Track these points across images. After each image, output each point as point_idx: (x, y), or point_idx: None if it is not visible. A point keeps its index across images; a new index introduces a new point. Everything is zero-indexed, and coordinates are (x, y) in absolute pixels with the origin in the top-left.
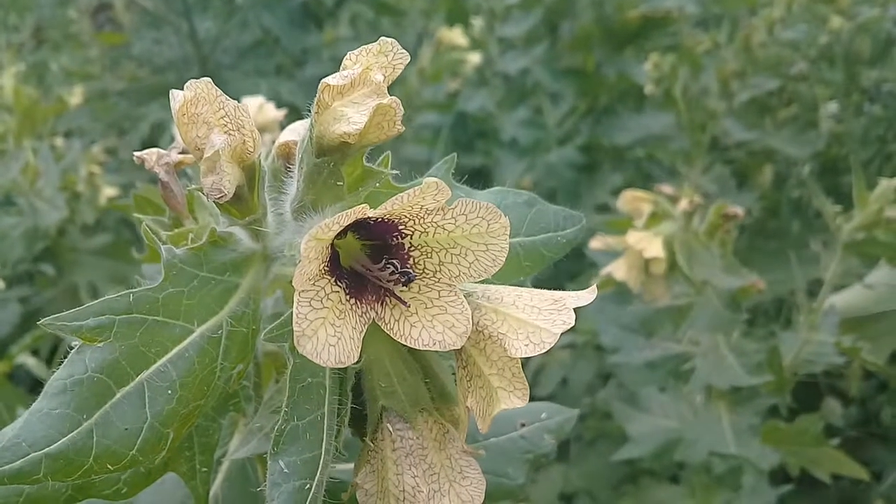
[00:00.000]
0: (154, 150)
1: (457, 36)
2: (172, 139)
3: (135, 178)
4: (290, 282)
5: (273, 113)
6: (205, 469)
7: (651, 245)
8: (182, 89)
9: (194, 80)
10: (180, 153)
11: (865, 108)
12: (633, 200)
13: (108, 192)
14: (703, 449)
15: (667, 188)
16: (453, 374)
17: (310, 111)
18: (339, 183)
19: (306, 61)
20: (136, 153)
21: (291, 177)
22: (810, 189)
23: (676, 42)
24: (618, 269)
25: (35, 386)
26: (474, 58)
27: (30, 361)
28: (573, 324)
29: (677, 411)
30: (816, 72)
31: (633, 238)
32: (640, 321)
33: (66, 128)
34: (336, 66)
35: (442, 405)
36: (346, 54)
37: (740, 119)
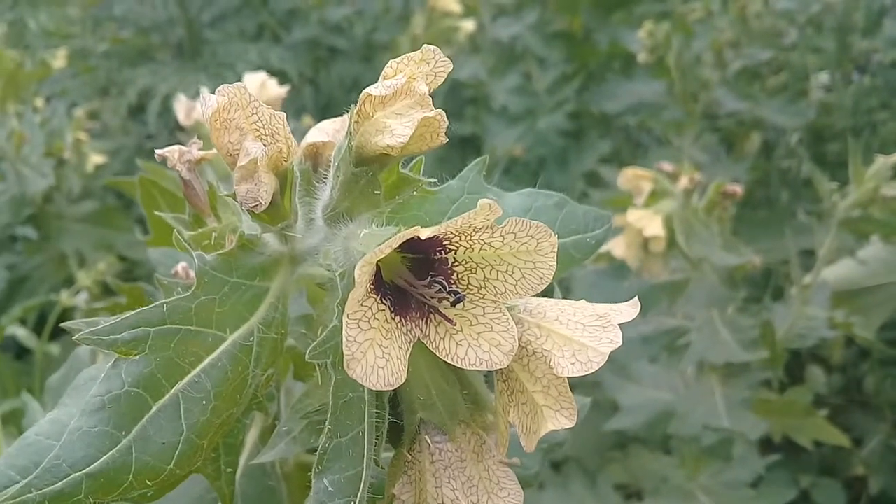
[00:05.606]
0: (176, 147)
1: (450, 3)
2: (171, 120)
3: (121, 143)
4: (317, 283)
5: (276, 90)
6: (230, 469)
7: (651, 223)
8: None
9: (227, 86)
10: (200, 149)
11: (855, 78)
12: (633, 178)
13: (96, 158)
14: (697, 422)
15: (667, 166)
16: (486, 379)
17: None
18: (376, 192)
19: (292, 23)
20: (158, 151)
21: (322, 181)
22: (802, 160)
23: (667, 8)
24: (617, 247)
25: (21, 353)
26: (468, 25)
27: (19, 332)
28: (620, 342)
29: (669, 383)
30: (807, 40)
31: (634, 216)
32: (636, 296)
33: (49, 92)
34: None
35: (475, 412)
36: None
37: (731, 88)
